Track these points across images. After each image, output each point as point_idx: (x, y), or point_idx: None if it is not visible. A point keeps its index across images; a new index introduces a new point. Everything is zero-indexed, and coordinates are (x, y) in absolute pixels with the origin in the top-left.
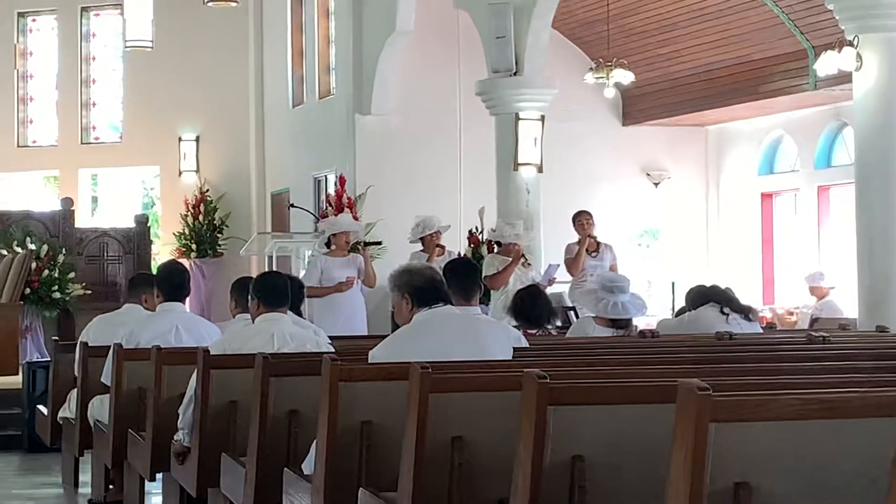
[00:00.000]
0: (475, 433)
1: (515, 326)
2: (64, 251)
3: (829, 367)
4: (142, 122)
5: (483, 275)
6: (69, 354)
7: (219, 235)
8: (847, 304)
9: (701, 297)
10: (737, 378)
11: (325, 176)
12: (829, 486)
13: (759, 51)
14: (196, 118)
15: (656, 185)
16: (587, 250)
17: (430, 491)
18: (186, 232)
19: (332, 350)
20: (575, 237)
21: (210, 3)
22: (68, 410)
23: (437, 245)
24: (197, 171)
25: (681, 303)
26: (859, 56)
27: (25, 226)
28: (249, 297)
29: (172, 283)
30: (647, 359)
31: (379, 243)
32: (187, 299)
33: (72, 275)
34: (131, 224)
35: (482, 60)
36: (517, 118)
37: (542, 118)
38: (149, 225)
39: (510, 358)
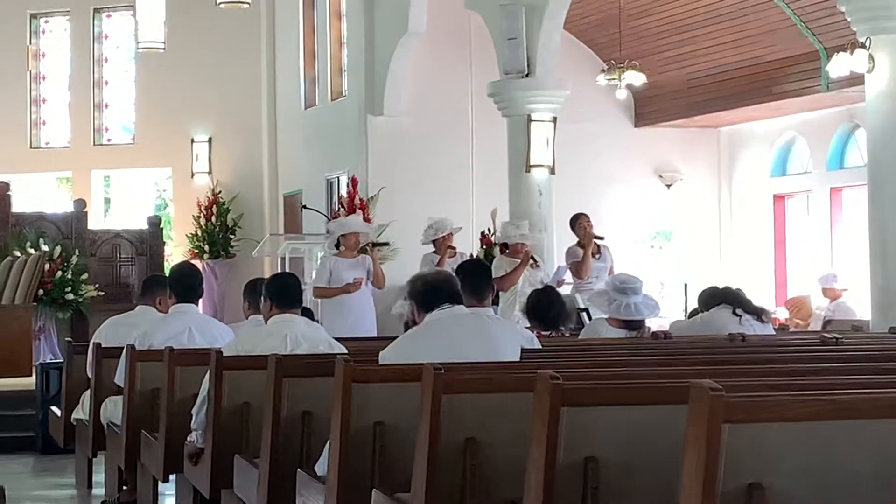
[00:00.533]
0: (488, 434)
1: (528, 327)
2: (77, 253)
3: (842, 369)
4: (154, 123)
5: (492, 276)
6: (82, 356)
7: (231, 237)
8: (860, 305)
9: (713, 298)
10: (750, 379)
11: (338, 177)
12: (843, 487)
13: (771, 52)
14: (208, 119)
15: (668, 186)
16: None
17: (443, 492)
18: (199, 233)
19: (346, 351)
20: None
21: (222, 5)
22: (81, 411)
23: (449, 247)
24: (209, 172)
25: (693, 304)
26: (871, 58)
27: (38, 227)
28: (262, 298)
29: (185, 285)
30: (660, 360)
31: (386, 244)
32: (200, 301)
33: (85, 276)
34: (144, 225)
35: (494, 62)
36: (529, 119)
37: (554, 119)
38: (161, 226)
39: (518, 358)
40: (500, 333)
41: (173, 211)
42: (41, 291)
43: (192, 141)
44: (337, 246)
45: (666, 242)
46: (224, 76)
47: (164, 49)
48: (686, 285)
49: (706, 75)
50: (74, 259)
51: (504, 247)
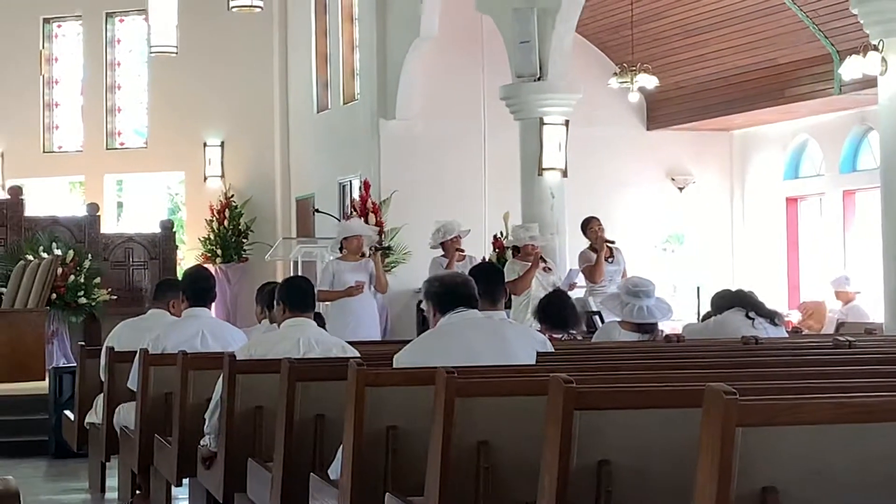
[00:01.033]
0: (501, 437)
1: (540, 330)
2: (90, 257)
3: (855, 372)
4: (167, 127)
5: (504, 280)
6: (95, 359)
7: (244, 240)
8: (873, 308)
9: (726, 301)
10: (763, 382)
11: (350, 181)
12: (857, 491)
13: (783, 55)
14: (221, 123)
15: (681, 189)
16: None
17: (457, 495)
18: (211, 237)
19: (358, 355)
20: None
21: (234, 9)
22: (95, 415)
23: (458, 250)
24: (222, 176)
25: (706, 307)
26: (884, 60)
27: (51, 231)
28: (275, 302)
29: (198, 289)
30: (673, 363)
31: (389, 248)
32: (213, 304)
33: (97, 280)
34: (156, 229)
35: (506, 65)
36: (541, 123)
37: (567, 123)
38: (174, 230)
39: (533, 361)
40: (514, 337)
41: (186, 215)
42: (54, 295)
43: (205, 145)
44: (340, 249)
45: (678, 245)
46: (236, 80)
47: (176, 53)
48: (699, 288)
49: (718, 78)
50: (87, 263)
51: (515, 250)
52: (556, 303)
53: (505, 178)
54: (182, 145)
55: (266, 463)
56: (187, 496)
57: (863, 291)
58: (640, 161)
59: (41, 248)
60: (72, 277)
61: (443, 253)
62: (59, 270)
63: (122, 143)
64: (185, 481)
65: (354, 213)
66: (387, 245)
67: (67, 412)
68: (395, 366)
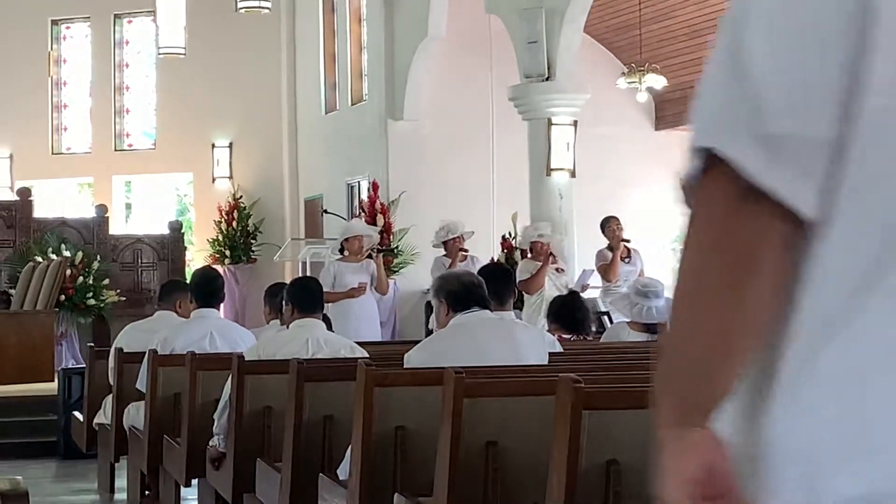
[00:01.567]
0: (510, 438)
1: (549, 330)
2: (98, 258)
3: None
4: (175, 128)
5: (518, 280)
6: (104, 360)
7: (252, 241)
8: None
9: None
10: None
11: (359, 182)
12: None
13: None
14: (229, 125)
15: None
16: (620, 256)
17: (465, 495)
18: (220, 238)
19: (367, 356)
20: (605, 243)
21: (242, 10)
22: (104, 416)
23: (461, 250)
24: (230, 177)
25: None
26: None
27: (60, 233)
28: (283, 302)
29: (206, 290)
30: None
31: (392, 250)
32: (221, 305)
33: (106, 281)
34: (165, 231)
35: (514, 65)
36: (550, 123)
37: (575, 123)
38: (182, 231)
39: (545, 362)
40: (525, 338)
41: (194, 216)
42: (63, 297)
43: (213, 146)
44: (341, 251)
45: None
46: (244, 81)
47: (184, 54)
48: None
49: None
50: (96, 264)
51: (524, 253)
52: (569, 304)
53: (513, 179)
54: (190, 146)
55: (275, 463)
56: (196, 497)
57: None
58: (648, 161)
59: (50, 249)
60: (80, 279)
61: (445, 252)
62: (68, 272)
63: (130, 145)
64: (194, 482)
65: (363, 213)
66: (394, 247)
67: (76, 413)
68: (406, 365)
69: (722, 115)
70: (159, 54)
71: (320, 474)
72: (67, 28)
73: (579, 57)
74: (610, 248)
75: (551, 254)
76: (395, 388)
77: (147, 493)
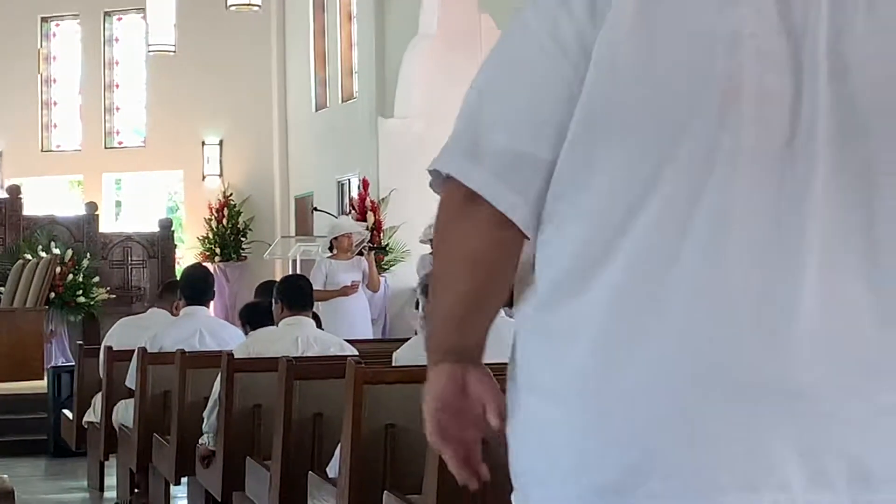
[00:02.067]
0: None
1: None
2: (88, 256)
3: None
4: (165, 126)
5: None
6: (94, 358)
7: (242, 239)
8: None
9: None
10: None
11: (349, 179)
12: None
13: None
14: (219, 122)
15: None
16: None
17: (455, 493)
18: (210, 236)
19: (357, 353)
20: None
21: (232, 7)
22: (93, 414)
23: None
24: (220, 175)
25: None
26: None
27: (50, 230)
28: (273, 300)
29: (195, 288)
30: None
31: (384, 248)
32: (211, 303)
33: (96, 279)
34: (155, 228)
35: None
36: None
37: None
38: (172, 229)
39: None
40: (510, 332)
41: (184, 214)
42: (52, 294)
43: (203, 144)
44: (331, 248)
45: None
46: (235, 78)
47: (174, 52)
48: None
49: None
50: (86, 262)
51: None
52: None
53: None
54: (180, 144)
55: (264, 461)
56: (186, 495)
57: None
58: None
59: (39, 247)
60: (70, 276)
61: (430, 251)
62: (58, 269)
63: (120, 142)
64: (184, 480)
65: (353, 211)
66: (385, 244)
67: (66, 411)
68: (395, 363)
69: (450, 141)
70: (149, 52)
71: (310, 472)
72: (57, 25)
73: None
74: None
75: None
76: (384, 385)
77: (136, 490)
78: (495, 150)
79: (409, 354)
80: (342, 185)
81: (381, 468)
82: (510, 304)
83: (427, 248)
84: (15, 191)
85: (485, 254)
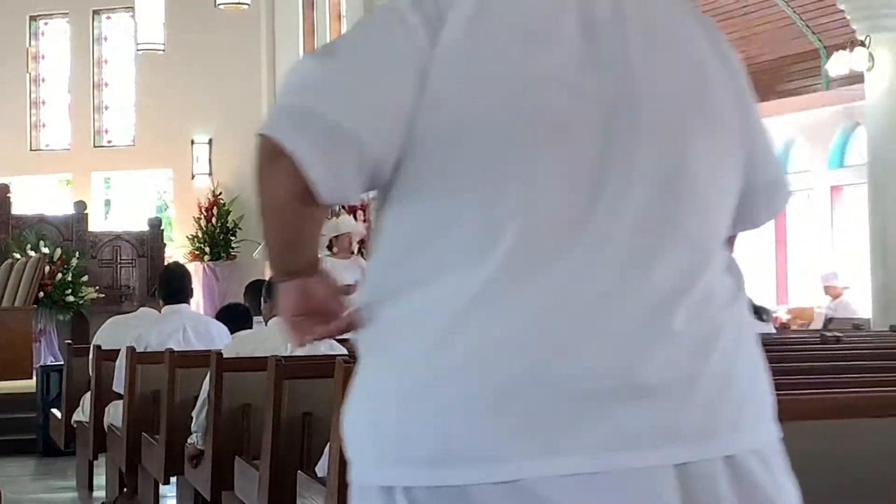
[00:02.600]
0: None
1: None
2: (77, 255)
3: (842, 368)
4: (154, 125)
5: None
6: (83, 358)
7: (232, 238)
8: (861, 303)
9: None
10: None
11: None
12: (844, 487)
13: (770, 51)
14: (209, 121)
15: None
16: None
17: None
18: (200, 235)
19: (346, 352)
20: None
21: (222, 6)
22: (82, 414)
23: None
24: (210, 174)
25: None
26: (871, 56)
27: (39, 229)
28: (262, 299)
29: (171, 289)
30: None
31: None
32: (192, 300)
33: (85, 278)
34: (144, 227)
35: None
36: None
37: None
38: (162, 228)
39: None
40: None
41: (174, 213)
42: (41, 294)
43: (193, 142)
44: (329, 248)
45: None
46: (224, 77)
47: (163, 51)
48: None
49: None
50: (75, 261)
51: None
52: None
53: None
54: (170, 143)
55: (253, 461)
56: (175, 494)
57: (851, 287)
58: None
59: (28, 246)
60: (59, 275)
61: None
62: (47, 268)
63: (109, 141)
64: (173, 479)
65: (342, 210)
66: None
67: (55, 410)
68: None
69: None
70: (138, 51)
71: (299, 471)
72: (46, 24)
73: None
74: None
75: None
76: None
77: (125, 490)
78: (322, 125)
79: None
80: None
81: None
82: None
83: None
84: (4, 190)
85: (289, 208)
